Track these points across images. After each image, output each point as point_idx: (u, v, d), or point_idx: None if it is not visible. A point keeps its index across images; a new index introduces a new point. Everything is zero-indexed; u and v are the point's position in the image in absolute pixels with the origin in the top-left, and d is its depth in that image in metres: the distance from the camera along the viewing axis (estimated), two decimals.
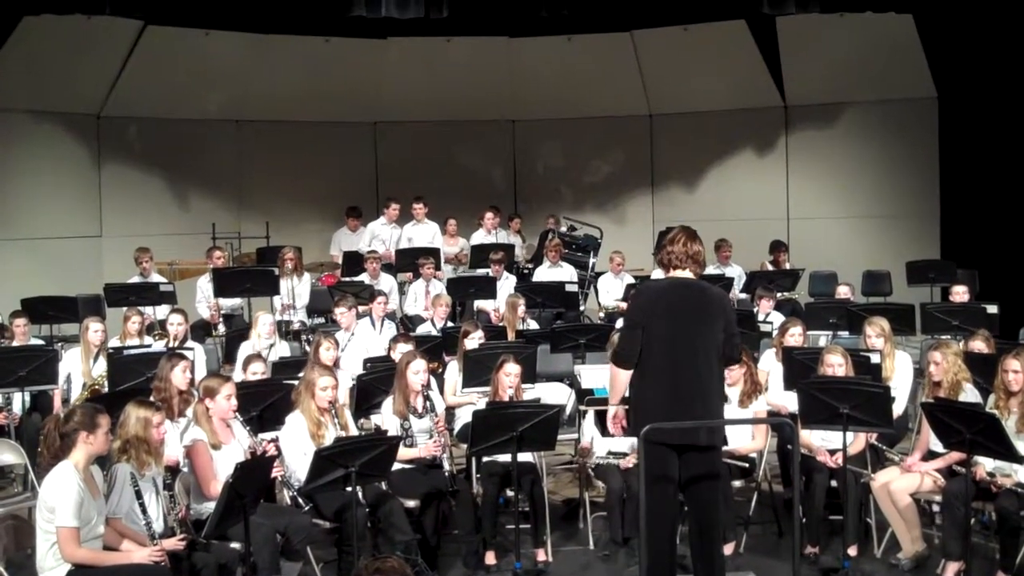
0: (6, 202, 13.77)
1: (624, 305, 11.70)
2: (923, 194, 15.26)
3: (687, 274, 5.96)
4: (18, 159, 13.92)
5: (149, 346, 9.63)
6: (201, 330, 11.45)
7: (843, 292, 11.79)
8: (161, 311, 11.13)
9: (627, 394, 5.97)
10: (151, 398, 6.90)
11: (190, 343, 9.78)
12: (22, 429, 8.53)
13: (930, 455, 7.08)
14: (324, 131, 16.42)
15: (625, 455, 7.32)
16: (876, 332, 8.27)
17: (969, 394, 7.12)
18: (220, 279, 11.45)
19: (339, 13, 12.76)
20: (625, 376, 5.89)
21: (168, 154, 15.62)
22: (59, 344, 10.31)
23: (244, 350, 9.39)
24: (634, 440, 6.38)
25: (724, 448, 7.17)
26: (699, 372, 5.78)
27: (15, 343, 9.70)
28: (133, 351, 9.17)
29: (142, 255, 12.36)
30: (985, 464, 6.64)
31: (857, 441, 7.30)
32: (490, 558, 7.13)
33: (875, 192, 15.71)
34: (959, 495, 6.55)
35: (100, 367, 9.00)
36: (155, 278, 12.28)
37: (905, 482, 6.96)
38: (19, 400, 8.73)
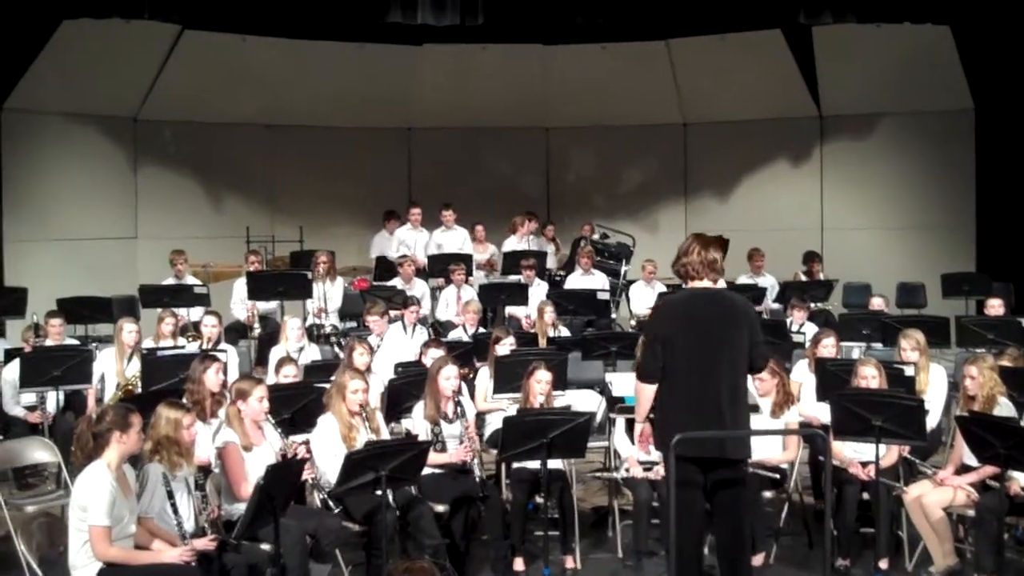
0: (43, 203, 13.90)
1: None
2: (959, 206, 15.17)
3: (706, 284, 5.90)
4: (56, 161, 14.05)
5: (183, 347, 9.69)
6: (235, 332, 11.51)
7: (877, 304, 11.70)
8: (195, 313, 11.20)
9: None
10: (184, 399, 6.95)
11: (223, 345, 9.84)
12: (56, 428, 8.60)
13: (963, 469, 7.02)
14: (358, 136, 16.49)
15: (655, 464, 7.29)
16: (911, 345, 8.20)
17: (1004, 408, 7.05)
18: (254, 282, 11.52)
19: (375, 19, 12.81)
20: (650, 392, 5.82)
21: (203, 157, 15.75)
22: (93, 344, 10.39)
23: (275, 354, 9.42)
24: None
25: (755, 459, 7.16)
26: (725, 384, 5.71)
27: (50, 343, 9.77)
28: (166, 352, 9.23)
29: (177, 257, 12.45)
30: (1019, 479, 6.57)
31: (890, 454, 7.25)
32: (518, 564, 7.11)
33: (910, 204, 15.62)
34: (993, 509, 6.49)
35: (134, 367, 9.06)
36: (189, 280, 12.37)
37: (938, 495, 6.90)
38: (53, 399, 8.81)
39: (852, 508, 7.07)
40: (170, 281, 12.28)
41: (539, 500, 7.23)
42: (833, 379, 7.78)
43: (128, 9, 12.33)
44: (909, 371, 7.98)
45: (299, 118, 16.07)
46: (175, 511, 5.86)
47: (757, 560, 6.98)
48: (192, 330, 10.50)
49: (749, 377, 7.05)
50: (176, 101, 15.09)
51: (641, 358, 5.96)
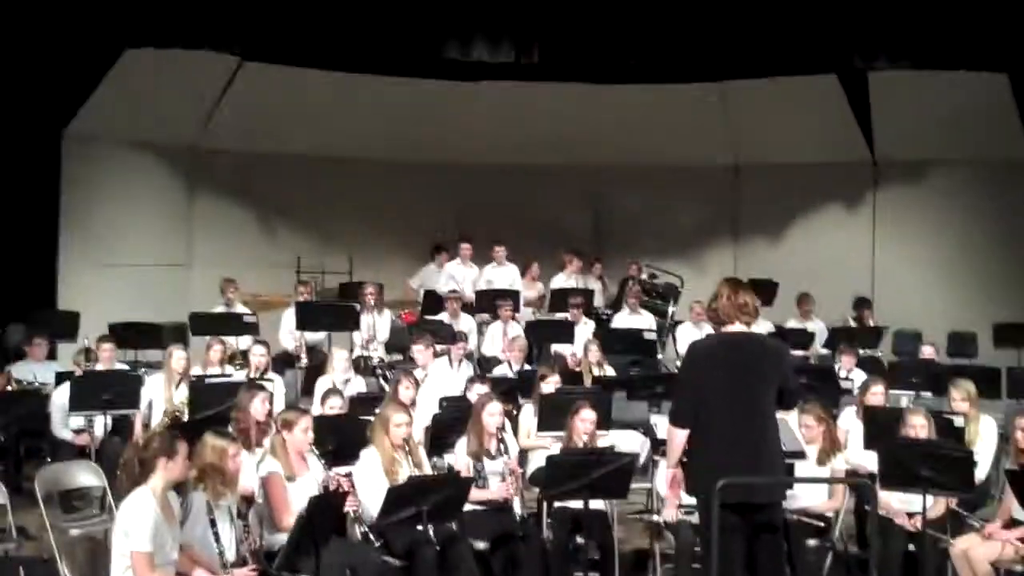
0: (100, 229, 14.04)
1: None
2: (1012, 255, 14.95)
3: (739, 327, 5.88)
4: (114, 187, 14.22)
5: (230, 375, 9.77)
6: (282, 362, 11.58)
7: (928, 352, 11.57)
8: (244, 341, 11.29)
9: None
10: (230, 427, 7.00)
11: (270, 374, 9.91)
12: (102, 452, 8.67)
13: (1013, 523, 6.91)
14: (409, 171, 16.51)
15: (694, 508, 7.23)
16: (961, 395, 8.12)
17: None
18: (303, 312, 11.60)
19: (432, 55, 12.93)
20: (681, 437, 5.79)
21: (258, 187, 15.88)
22: (143, 370, 10.49)
23: (321, 384, 9.48)
24: None
25: (800, 506, 7.10)
26: (756, 428, 5.68)
27: (100, 367, 9.88)
28: (214, 379, 9.31)
29: (228, 285, 12.56)
30: None
31: (937, 505, 7.15)
32: None
33: (963, 251, 15.42)
34: None
35: (182, 394, 9.13)
36: (239, 309, 12.47)
37: (985, 549, 6.78)
38: (100, 423, 8.90)
39: (897, 559, 6.98)
40: (220, 309, 12.39)
41: (580, 540, 7.19)
42: (881, 427, 7.71)
43: (189, 39, 12.57)
44: (959, 421, 7.89)
45: (352, 151, 16.15)
46: (217, 539, 5.90)
47: None
48: (240, 358, 10.59)
49: (795, 423, 7.03)
50: (233, 131, 15.24)
51: (673, 403, 5.96)
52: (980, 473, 7.48)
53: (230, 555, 5.93)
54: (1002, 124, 14.58)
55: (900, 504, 7.18)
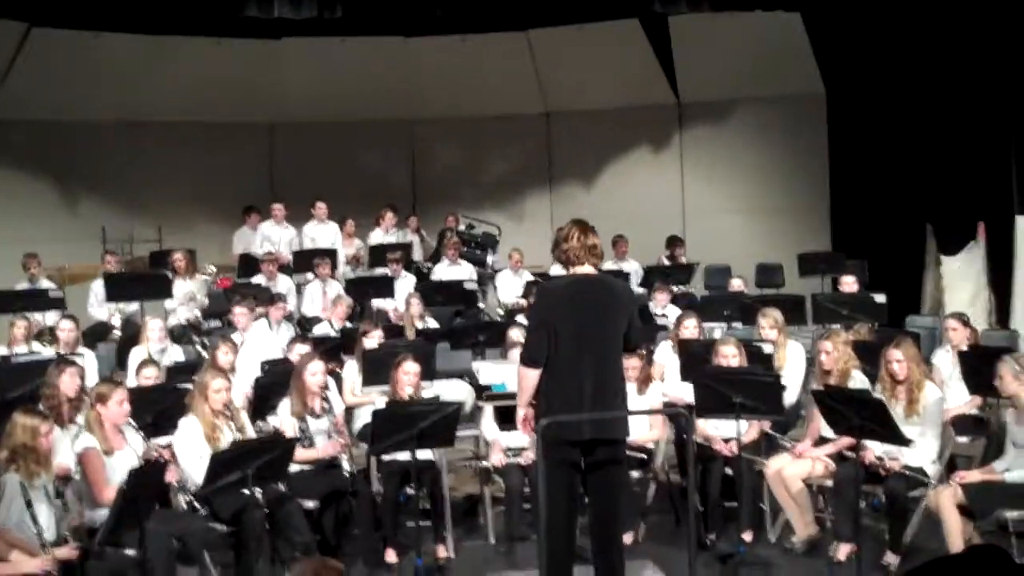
0: None
1: (524, 302, 11.79)
2: (813, 188, 15.60)
3: (588, 269, 5.95)
4: None
5: (39, 353, 9.41)
6: (93, 336, 11.21)
7: (737, 285, 12.00)
8: (51, 317, 10.88)
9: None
10: (40, 405, 6.76)
11: (81, 349, 9.60)
12: None
13: (821, 441, 7.25)
14: (218, 133, 16.15)
15: (523, 450, 7.36)
16: (769, 323, 8.44)
17: (858, 381, 7.30)
18: (112, 283, 11.25)
19: (232, 13, 12.59)
20: (533, 377, 5.78)
21: (57, 158, 15.26)
22: None
23: (136, 356, 9.23)
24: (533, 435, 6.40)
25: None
26: (606, 368, 5.77)
27: None
28: (21, 358, 8.96)
29: (30, 260, 12.05)
30: (874, 448, 6.81)
31: (751, 429, 7.45)
32: (391, 556, 7.12)
33: (767, 187, 16.02)
34: (849, 479, 6.72)
35: None
36: (44, 284, 11.99)
37: (797, 468, 7.12)
38: None
39: (716, 483, 7.25)
40: (24, 285, 11.89)
41: (410, 491, 7.24)
42: (695, 359, 7.97)
43: None
44: (768, 349, 8.22)
45: (156, 115, 15.68)
46: (34, 521, 5.70)
47: (626, 539, 7.07)
48: (48, 334, 10.20)
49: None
50: (26, 101, 14.57)
51: (525, 345, 5.99)
52: (790, 396, 7.82)
53: (49, 535, 5.74)
54: (798, 61, 15.14)
55: (716, 431, 7.45)
